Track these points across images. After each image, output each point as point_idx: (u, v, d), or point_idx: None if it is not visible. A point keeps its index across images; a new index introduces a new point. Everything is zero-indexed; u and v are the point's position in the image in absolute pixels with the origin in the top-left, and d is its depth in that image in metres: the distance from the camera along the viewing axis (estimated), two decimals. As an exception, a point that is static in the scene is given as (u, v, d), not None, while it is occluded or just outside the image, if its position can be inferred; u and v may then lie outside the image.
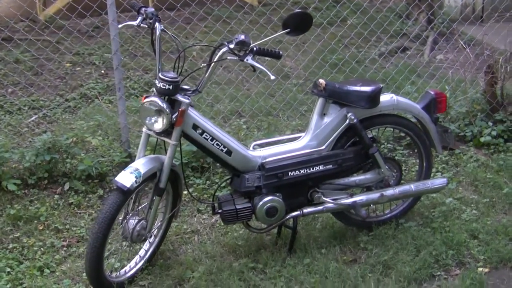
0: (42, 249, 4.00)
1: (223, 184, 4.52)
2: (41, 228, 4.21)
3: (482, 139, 4.92)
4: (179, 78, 3.39)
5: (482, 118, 5.07)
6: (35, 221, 4.25)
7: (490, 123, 5.00)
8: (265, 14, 6.72)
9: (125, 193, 3.36)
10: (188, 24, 6.49)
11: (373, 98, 3.75)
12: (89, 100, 6.12)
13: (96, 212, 4.37)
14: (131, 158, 4.74)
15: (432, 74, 6.05)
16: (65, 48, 6.70)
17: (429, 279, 3.58)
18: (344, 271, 3.62)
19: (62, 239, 4.11)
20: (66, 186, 4.55)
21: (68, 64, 6.85)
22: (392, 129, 4.44)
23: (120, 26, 3.66)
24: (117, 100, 4.71)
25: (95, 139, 4.79)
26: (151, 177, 3.48)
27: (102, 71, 6.76)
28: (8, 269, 3.79)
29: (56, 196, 4.49)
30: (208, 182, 4.65)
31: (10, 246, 4.02)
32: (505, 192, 4.36)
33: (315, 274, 3.61)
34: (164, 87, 3.35)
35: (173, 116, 3.38)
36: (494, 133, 4.91)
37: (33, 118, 5.72)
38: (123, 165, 4.73)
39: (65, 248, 4.04)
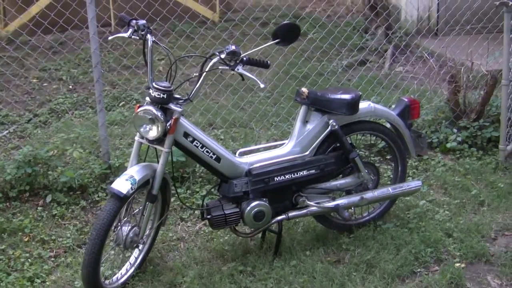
0: (29, 260, 4.02)
1: (204, 193, 4.66)
2: (26, 239, 4.24)
3: (448, 145, 5.18)
4: (172, 87, 3.51)
5: (447, 125, 5.34)
6: (20, 233, 4.27)
7: (455, 130, 5.26)
8: (226, 29, 6.91)
9: (121, 199, 3.45)
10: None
11: (353, 106, 3.95)
12: (59, 115, 6.14)
13: (81, 223, 4.42)
14: (111, 169, 4.81)
15: (394, 84, 6.32)
16: (30, 63, 6.73)
17: (411, 276, 3.77)
18: (331, 270, 3.78)
19: (49, 250, 4.14)
20: (48, 198, 4.58)
21: (34, 80, 6.86)
22: (369, 136, 4.63)
23: (110, 37, 3.75)
24: (97, 112, 4.77)
25: (76, 151, 4.83)
26: (144, 184, 3.58)
27: (70, 87, 6.79)
28: (-3, 281, 3.82)
29: (39, 208, 4.52)
30: (188, 191, 4.75)
31: (-4, 258, 4.05)
32: (473, 193, 4.61)
33: (303, 275, 3.76)
34: (159, 96, 3.46)
35: (167, 124, 3.49)
36: (459, 139, 5.17)
37: (4, 133, 5.72)
38: (103, 177, 4.81)
39: (52, 259, 4.07)
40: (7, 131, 5.77)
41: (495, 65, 5.58)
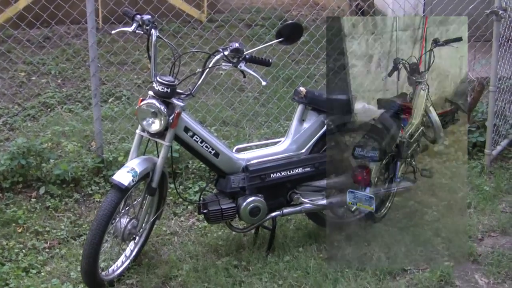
0: (23, 251, 4.04)
1: (196, 188, 4.72)
2: (19, 230, 4.25)
3: (435, 149, 5.31)
4: (176, 82, 3.57)
5: (434, 129, 5.47)
6: (13, 224, 4.29)
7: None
8: (215, 29, 6.98)
9: (122, 191, 3.49)
10: (136, 37, 6.63)
11: (348, 106, 4.04)
12: (49, 109, 6.14)
13: (75, 216, 4.44)
14: (104, 163, 4.83)
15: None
16: (17, 57, 6.72)
17: (402, 273, 3.88)
18: (324, 267, 3.87)
19: (43, 241, 4.16)
20: (42, 190, 4.59)
21: (22, 73, 6.85)
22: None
23: (113, 32, 3.79)
24: (93, 107, 4.81)
25: (71, 144, 4.85)
26: (144, 177, 3.63)
27: (59, 81, 6.79)
28: (-9, 270, 3.82)
29: (33, 200, 4.53)
30: (181, 187, 4.79)
31: (-10, 248, 4.06)
32: (460, 195, 4.74)
33: (296, 270, 3.84)
34: (163, 90, 3.51)
35: (170, 118, 3.54)
36: (445, 143, 5.30)
37: (-8, 125, 5.70)
38: (96, 171, 4.83)
39: (47, 250, 4.09)
40: (-5, 122, 5.76)
41: (481, 72, 5.73)
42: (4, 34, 5.78)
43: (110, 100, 6.36)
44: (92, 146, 5.16)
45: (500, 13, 4.81)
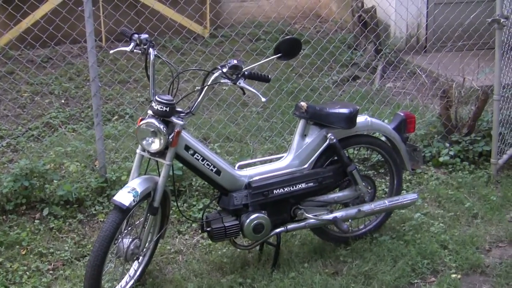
0: (27, 273, 4.02)
1: (200, 206, 4.69)
2: (23, 253, 4.23)
3: (440, 159, 5.26)
4: (174, 101, 3.55)
5: (439, 140, 5.42)
6: (17, 246, 4.27)
7: (447, 144, 5.35)
8: (217, 44, 6.98)
9: (123, 211, 3.47)
10: (136, 56, 6.63)
11: (351, 120, 4.01)
12: (52, 129, 6.14)
13: (78, 236, 4.42)
14: (107, 183, 4.82)
15: (383, 100, 6.41)
16: (20, 79, 6.74)
17: (409, 287, 3.83)
18: (329, 282, 3.82)
19: (47, 263, 4.14)
20: (45, 212, 4.57)
21: (25, 94, 6.86)
22: (363, 149, 4.70)
23: (111, 52, 3.79)
24: (95, 126, 4.80)
25: (73, 164, 4.84)
26: (146, 197, 3.61)
27: (63, 101, 6.80)
28: (-5, 294, 3.81)
29: (36, 221, 4.51)
30: (185, 204, 4.77)
31: (-6, 271, 4.04)
32: (467, 206, 4.69)
33: (302, 287, 3.80)
34: (162, 109, 3.49)
35: (170, 137, 3.52)
36: (451, 153, 5.25)
37: (-3, 147, 5.70)
38: (99, 190, 4.82)
39: (51, 272, 4.07)
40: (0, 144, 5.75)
41: (486, 81, 5.69)
42: (4, 56, 5.79)
43: (113, 119, 6.36)
44: (95, 165, 5.15)
45: (502, 21, 4.77)
